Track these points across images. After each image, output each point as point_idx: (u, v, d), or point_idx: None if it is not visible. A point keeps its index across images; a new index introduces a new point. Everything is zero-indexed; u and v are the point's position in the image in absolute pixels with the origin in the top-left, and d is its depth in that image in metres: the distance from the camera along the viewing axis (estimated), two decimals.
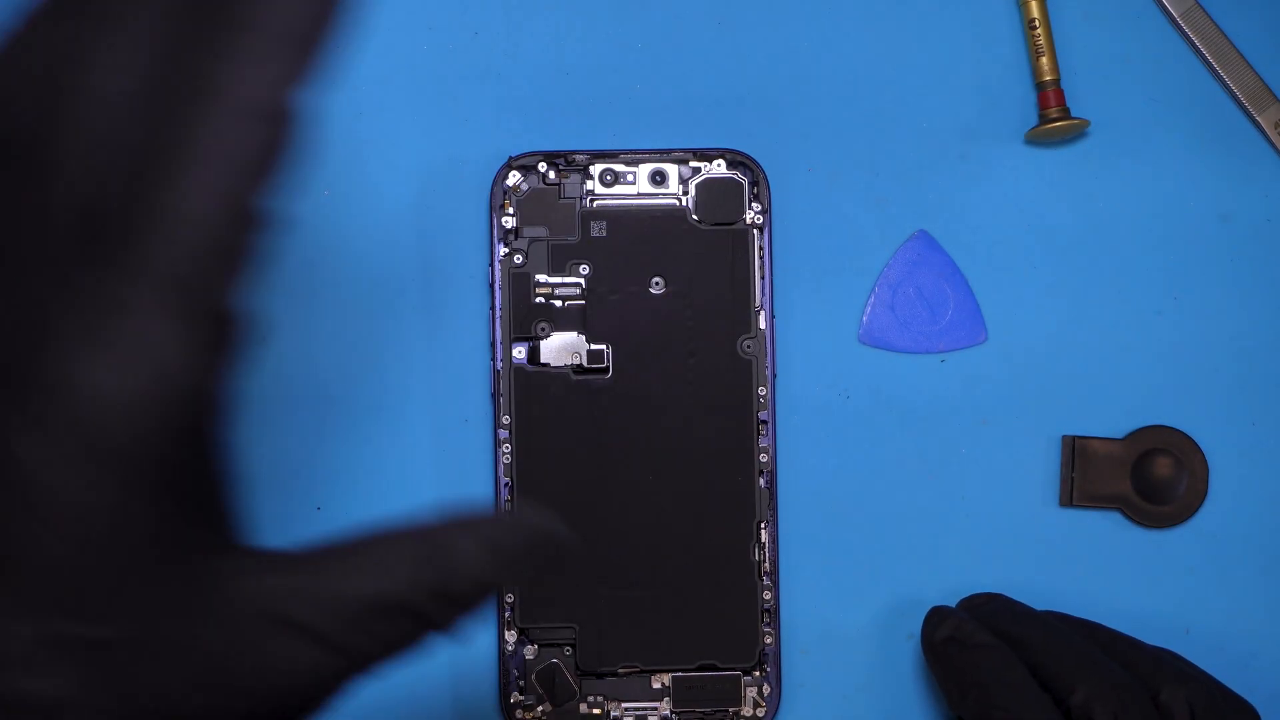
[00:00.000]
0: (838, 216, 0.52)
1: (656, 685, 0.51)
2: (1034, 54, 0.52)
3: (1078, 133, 0.52)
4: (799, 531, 0.52)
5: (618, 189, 0.51)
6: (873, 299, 0.52)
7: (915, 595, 0.52)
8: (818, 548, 0.52)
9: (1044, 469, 0.52)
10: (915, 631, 0.51)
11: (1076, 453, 0.51)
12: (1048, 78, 0.52)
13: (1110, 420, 0.52)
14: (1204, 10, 0.52)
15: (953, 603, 0.51)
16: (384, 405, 0.51)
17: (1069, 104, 0.52)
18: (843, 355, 0.52)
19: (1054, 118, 0.51)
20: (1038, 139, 0.52)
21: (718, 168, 0.51)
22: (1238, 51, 0.52)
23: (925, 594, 0.52)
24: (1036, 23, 0.51)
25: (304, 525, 0.51)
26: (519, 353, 0.51)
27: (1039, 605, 0.51)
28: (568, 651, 0.51)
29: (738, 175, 0.51)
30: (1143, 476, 0.52)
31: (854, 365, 0.52)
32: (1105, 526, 0.52)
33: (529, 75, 0.52)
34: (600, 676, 0.51)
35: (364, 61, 0.51)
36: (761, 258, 0.51)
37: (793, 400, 0.52)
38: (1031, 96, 0.52)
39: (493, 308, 0.51)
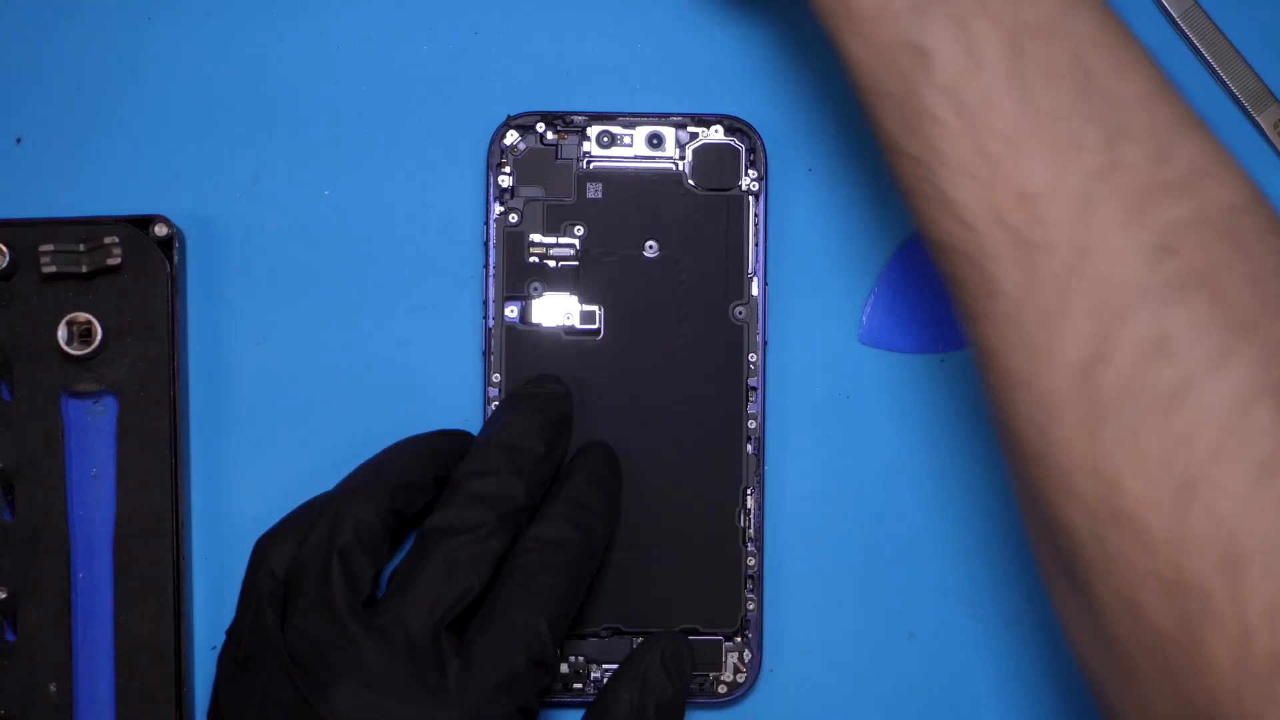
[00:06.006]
0: (838, 216, 0.52)
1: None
2: None
3: None
4: (798, 531, 0.52)
5: (614, 151, 0.51)
6: (873, 299, 0.52)
7: (914, 593, 0.52)
8: (815, 547, 0.52)
9: None
10: (914, 630, 0.51)
11: None
12: None
13: None
14: (1203, 10, 0.52)
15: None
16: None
17: None
18: (843, 355, 0.52)
19: None
20: None
21: (715, 133, 0.51)
22: (1237, 52, 0.52)
23: (924, 592, 0.51)
24: None
25: None
26: (511, 311, 0.51)
27: (1039, 605, 0.51)
28: None
29: (735, 141, 0.51)
30: None
31: (854, 365, 0.52)
32: None
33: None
34: (582, 637, 0.51)
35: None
36: (756, 225, 0.51)
37: (792, 400, 0.52)
38: None
39: (486, 266, 0.51)
